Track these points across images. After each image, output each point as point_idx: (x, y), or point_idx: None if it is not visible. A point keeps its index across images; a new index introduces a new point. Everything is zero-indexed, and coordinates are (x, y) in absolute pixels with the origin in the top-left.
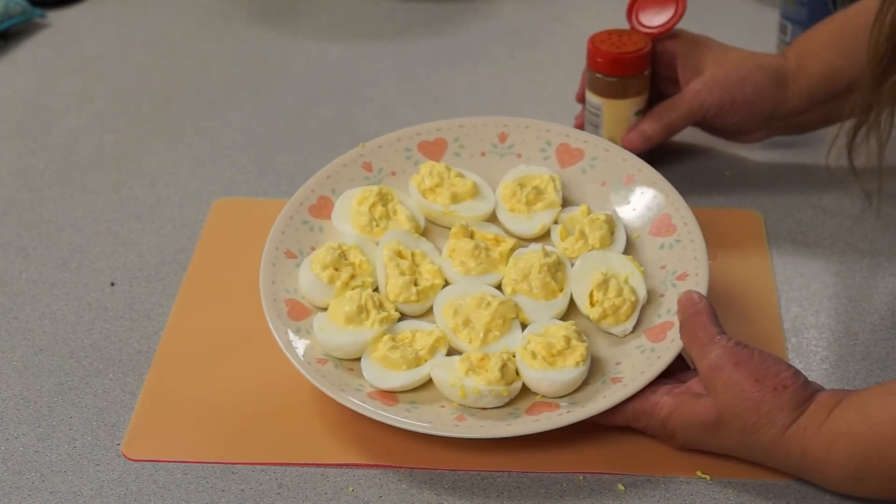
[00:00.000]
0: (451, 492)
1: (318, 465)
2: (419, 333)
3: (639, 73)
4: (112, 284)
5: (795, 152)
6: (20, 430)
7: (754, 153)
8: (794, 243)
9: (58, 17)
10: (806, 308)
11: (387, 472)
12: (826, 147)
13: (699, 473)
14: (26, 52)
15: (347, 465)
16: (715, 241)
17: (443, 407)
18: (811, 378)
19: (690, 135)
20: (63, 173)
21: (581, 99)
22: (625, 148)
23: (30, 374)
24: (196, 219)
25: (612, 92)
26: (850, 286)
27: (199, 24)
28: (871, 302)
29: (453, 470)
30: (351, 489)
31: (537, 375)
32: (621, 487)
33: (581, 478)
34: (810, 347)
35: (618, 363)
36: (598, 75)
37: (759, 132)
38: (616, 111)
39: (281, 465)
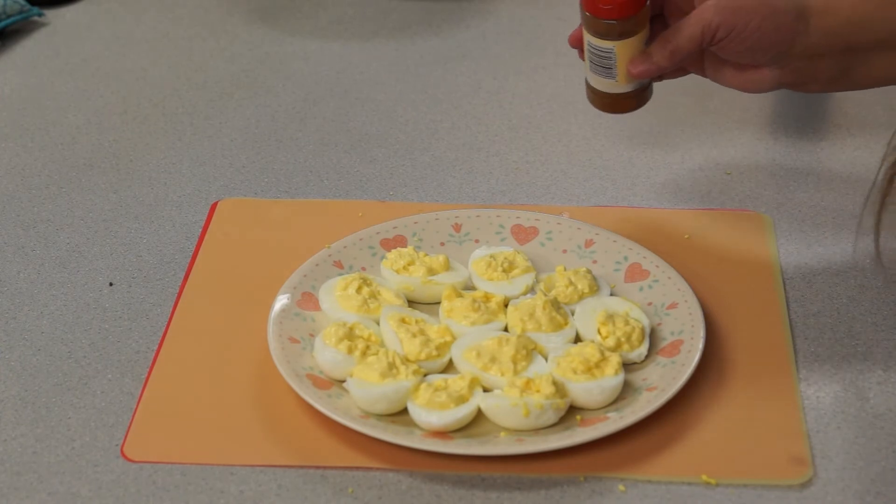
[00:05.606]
0: (451, 492)
1: (318, 467)
2: (451, 381)
3: (645, 4)
4: (111, 284)
5: (797, 152)
6: (18, 430)
7: (756, 153)
8: (797, 243)
9: (56, 16)
10: (807, 308)
11: (386, 473)
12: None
13: (705, 477)
14: (24, 50)
15: (347, 468)
16: (720, 242)
17: (497, 436)
18: (815, 378)
19: (691, 133)
20: (61, 172)
21: (576, 42)
22: (632, 76)
23: (28, 375)
24: (195, 218)
25: (622, 32)
26: (852, 286)
27: (197, 22)
28: (873, 302)
29: (453, 470)
30: (350, 490)
31: (586, 387)
32: (622, 489)
33: (582, 479)
34: (811, 349)
35: (644, 378)
36: (604, 20)
37: (769, 70)
38: (629, 50)
39: (280, 466)
